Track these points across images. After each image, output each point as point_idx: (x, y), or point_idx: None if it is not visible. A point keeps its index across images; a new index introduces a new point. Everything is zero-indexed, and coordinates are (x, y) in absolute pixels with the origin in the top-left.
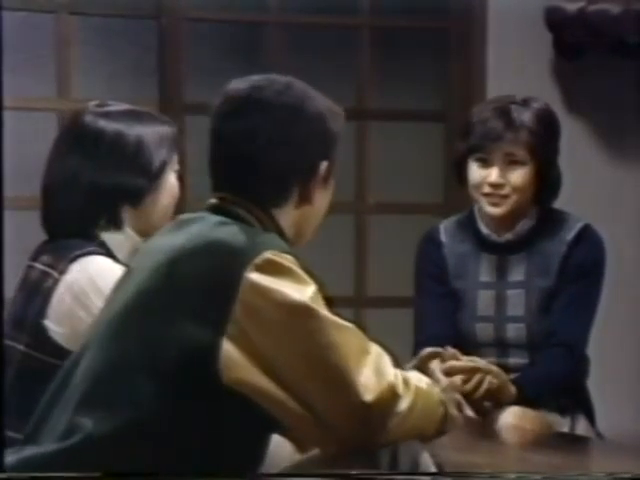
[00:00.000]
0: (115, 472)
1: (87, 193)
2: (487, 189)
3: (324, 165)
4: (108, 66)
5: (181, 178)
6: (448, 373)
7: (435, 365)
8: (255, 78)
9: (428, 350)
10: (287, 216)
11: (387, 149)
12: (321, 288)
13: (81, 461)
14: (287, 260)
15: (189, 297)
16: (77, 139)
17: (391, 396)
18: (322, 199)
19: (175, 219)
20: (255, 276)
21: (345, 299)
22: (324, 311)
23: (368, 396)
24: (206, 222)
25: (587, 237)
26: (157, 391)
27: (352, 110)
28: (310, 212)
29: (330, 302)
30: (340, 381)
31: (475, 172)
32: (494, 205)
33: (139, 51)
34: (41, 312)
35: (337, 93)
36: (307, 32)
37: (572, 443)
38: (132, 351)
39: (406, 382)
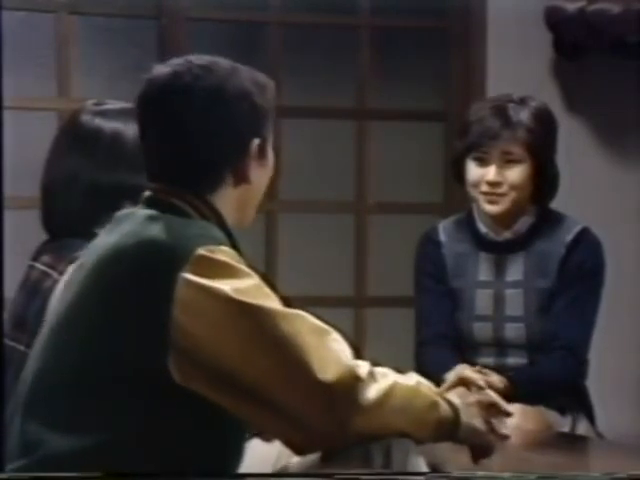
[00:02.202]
0: (115, 472)
1: (87, 192)
2: (485, 187)
3: (256, 142)
4: (108, 66)
5: None
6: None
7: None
8: (175, 63)
9: (466, 376)
10: (225, 199)
11: (387, 149)
12: (265, 279)
13: None
14: (222, 254)
15: (126, 299)
16: (75, 138)
17: (351, 380)
18: (260, 177)
19: (113, 217)
20: (190, 275)
21: (345, 299)
22: (268, 303)
23: (325, 377)
24: (137, 218)
25: (585, 240)
26: (104, 399)
27: (352, 110)
28: (249, 191)
29: (285, 299)
30: (295, 369)
31: (473, 171)
32: (492, 203)
33: (139, 51)
34: (41, 313)
35: (337, 93)
36: (307, 32)
37: (572, 443)
38: (75, 360)
39: (379, 373)
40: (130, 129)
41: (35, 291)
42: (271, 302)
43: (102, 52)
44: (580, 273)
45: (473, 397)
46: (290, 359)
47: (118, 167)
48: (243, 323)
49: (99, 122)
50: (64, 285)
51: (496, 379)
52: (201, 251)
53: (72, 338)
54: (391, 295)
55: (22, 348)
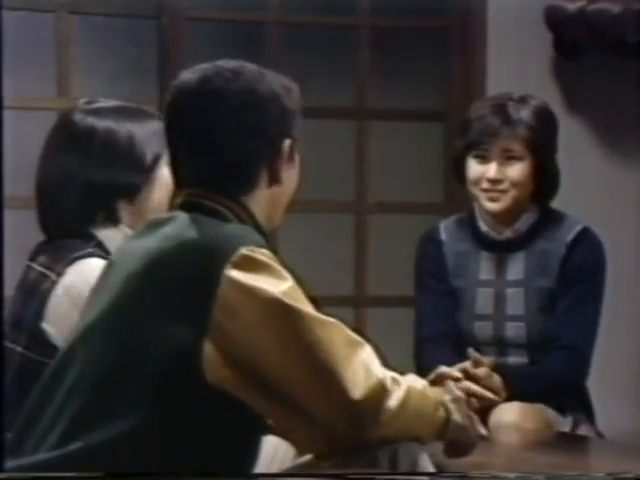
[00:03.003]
0: (115, 472)
1: (81, 191)
2: (486, 184)
3: (287, 143)
4: (108, 66)
5: None
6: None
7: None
8: (203, 68)
9: (443, 371)
10: (258, 200)
11: (387, 149)
12: (300, 283)
13: (77, 469)
14: (264, 255)
15: (167, 300)
16: (68, 137)
17: (380, 392)
18: (290, 177)
19: (147, 221)
20: (233, 273)
21: (345, 299)
22: (305, 307)
23: (356, 393)
24: (178, 221)
25: (586, 240)
26: (143, 396)
27: (352, 110)
28: (280, 192)
29: (314, 301)
30: (326, 379)
31: (473, 168)
32: (493, 201)
33: (139, 51)
34: (39, 314)
35: (337, 93)
36: (307, 32)
37: (572, 443)
38: (116, 359)
39: (395, 379)
40: (123, 127)
41: (33, 292)
42: (307, 307)
43: (102, 52)
44: (581, 273)
45: (454, 393)
46: (321, 367)
47: (112, 165)
48: (282, 324)
49: (92, 121)
50: (95, 288)
51: (480, 371)
52: (244, 251)
53: (114, 339)
54: (391, 295)
55: (20, 349)
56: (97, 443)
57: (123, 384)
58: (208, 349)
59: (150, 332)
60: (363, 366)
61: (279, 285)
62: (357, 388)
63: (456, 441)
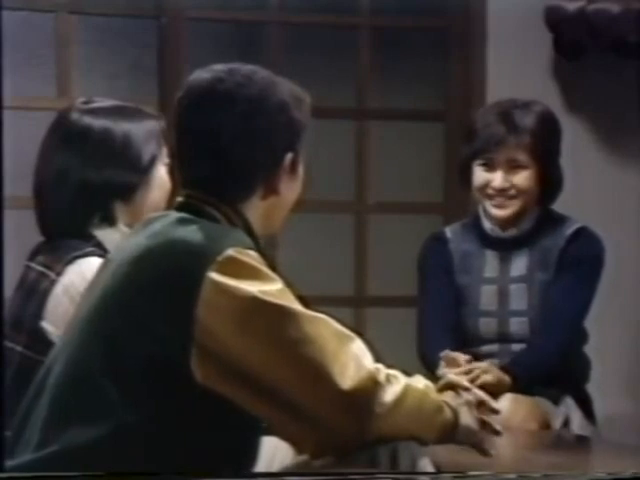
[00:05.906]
0: (115, 472)
1: (77, 190)
2: (491, 192)
3: (289, 156)
4: (108, 66)
5: (172, 171)
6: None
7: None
8: (217, 68)
9: (451, 379)
10: (254, 209)
11: (387, 149)
12: (289, 286)
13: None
14: (250, 257)
15: (151, 298)
16: (64, 137)
17: (371, 384)
18: (289, 189)
19: (143, 219)
20: (217, 275)
21: (345, 299)
22: (294, 305)
23: (346, 384)
24: (168, 220)
25: (585, 233)
26: (126, 396)
27: (352, 110)
28: (277, 203)
29: (304, 301)
30: (315, 374)
31: (479, 175)
32: (500, 208)
33: (139, 50)
34: (38, 313)
35: (337, 93)
36: (307, 32)
37: (572, 442)
38: (99, 356)
39: (394, 376)
40: (119, 127)
41: (32, 292)
42: (295, 304)
43: (102, 52)
44: (577, 260)
45: (462, 398)
46: (311, 362)
47: (108, 164)
48: (267, 322)
49: (88, 120)
50: (89, 285)
51: (488, 377)
52: (230, 252)
53: (98, 336)
54: (391, 295)
55: (19, 349)
56: (73, 445)
57: (104, 384)
58: (195, 349)
59: (134, 330)
60: (353, 359)
61: (263, 286)
62: (347, 380)
63: (467, 445)
